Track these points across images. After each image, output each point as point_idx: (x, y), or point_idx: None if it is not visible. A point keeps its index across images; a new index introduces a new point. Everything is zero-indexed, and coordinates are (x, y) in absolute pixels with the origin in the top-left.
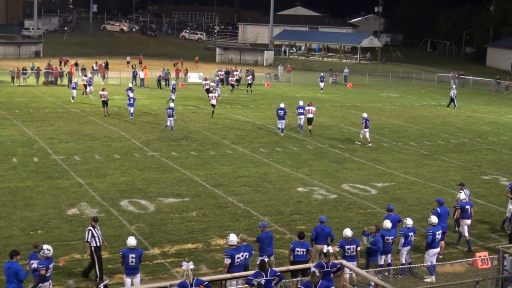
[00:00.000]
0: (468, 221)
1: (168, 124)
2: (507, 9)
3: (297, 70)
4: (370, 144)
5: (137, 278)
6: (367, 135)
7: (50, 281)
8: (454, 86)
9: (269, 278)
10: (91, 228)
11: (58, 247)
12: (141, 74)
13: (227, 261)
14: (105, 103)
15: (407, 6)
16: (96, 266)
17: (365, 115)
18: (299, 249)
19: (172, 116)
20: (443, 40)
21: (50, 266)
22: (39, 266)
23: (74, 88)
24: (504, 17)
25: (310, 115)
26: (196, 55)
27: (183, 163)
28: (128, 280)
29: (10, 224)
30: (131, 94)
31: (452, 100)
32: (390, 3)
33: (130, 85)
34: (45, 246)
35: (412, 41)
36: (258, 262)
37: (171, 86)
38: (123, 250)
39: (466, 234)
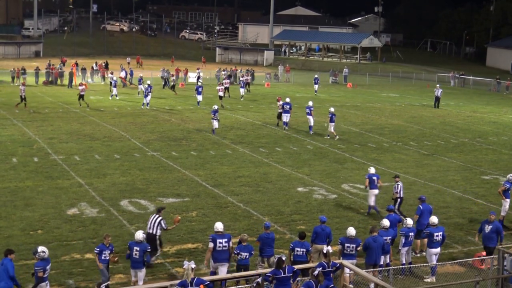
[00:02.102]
0: (375, 191)
1: (214, 127)
2: (507, 9)
3: (297, 70)
4: (337, 138)
5: (142, 272)
6: (332, 129)
7: (47, 281)
8: (438, 86)
9: (286, 275)
10: (161, 217)
11: (58, 247)
12: (121, 73)
13: (210, 244)
14: (81, 96)
15: (407, 6)
16: (158, 246)
17: (332, 109)
18: (298, 249)
19: (216, 118)
20: (443, 40)
21: (47, 267)
22: (36, 268)
23: (115, 86)
24: (504, 17)
25: (280, 110)
26: (196, 55)
27: (183, 163)
28: (133, 273)
29: (10, 224)
30: (146, 87)
31: (437, 99)
32: (390, 3)
33: (149, 82)
34: (40, 248)
35: (412, 41)
36: (275, 260)
37: (195, 88)
38: (130, 242)
39: (372, 203)
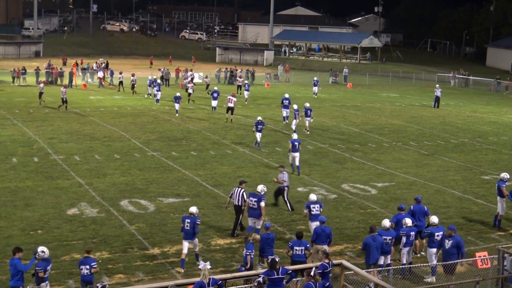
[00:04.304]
0: (296, 154)
1: (258, 139)
2: (507, 9)
3: (297, 70)
4: (308, 132)
5: (194, 242)
6: (307, 123)
7: (47, 281)
8: (437, 86)
9: (280, 276)
10: (243, 189)
11: (58, 247)
12: (99, 74)
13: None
14: (41, 94)
15: (407, 6)
16: (239, 220)
17: (307, 104)
18: (297, 248)
19: (260, 131)
20: (443, 40)
21: (48, 267)
22: (36, 268)
23: (149, 85)
24: (504, 17)
25: (230, 104)
26: (196, 55)
27: (183, 163)
28: (185, 244)
29: (10, 224)
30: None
31: (438, 99)
32: (390, 3)
33: (159, 81)
34: (39, 249)
35: (412, 41)
36: (269, 261)
37: (211, 93)
38: (183, 216)
39: (297, 163)
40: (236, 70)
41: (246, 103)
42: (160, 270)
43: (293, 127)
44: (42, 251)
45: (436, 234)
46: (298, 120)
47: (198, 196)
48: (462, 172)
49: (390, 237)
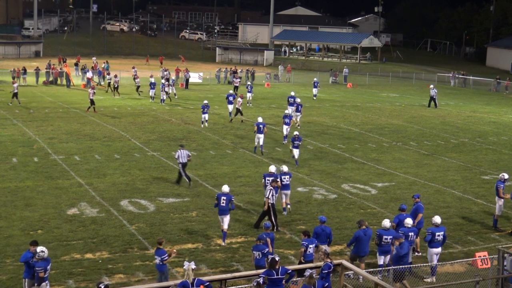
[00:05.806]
0: (261, 135)
1: (295, 156)
2: (507, 9)
3: (297, 70)
4: (299, 127)
5: (227, 218)
6: (298, 118)
7: (47, 281)
8: (432, 86)
9: (279, 276)
10: (272, 188)
11: (58, 247)
12: (89, 74)
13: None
14: (15, 94)
15: (407, 6)
16: (272, 217)
17: (298, 100)
18: (311, 246)
19: (297, 147)
20: (443, 40)
21: (48, 267)
22: (37, 268)
23: (153, 88)
24: (504, 17)
25: (237, 106)
26: (196, 55)
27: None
28: (220, 219)
29: (10, 224)
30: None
31: (432, 99)
32: (390, 3)
33: (163, 81)
34: (39, 248)
35: (412, 41)
36: (268, 261)
37: (226, 97)
38: (218, 194)
39: (256, 144)
40: (236, 70)
41: (248, 104)
42: None
43: (285, 132)
44: (42, 251)
45: (437, 234)
46: (290, 125)
47: (198, 196)
48: (462, 172)
49: (390, 237)
